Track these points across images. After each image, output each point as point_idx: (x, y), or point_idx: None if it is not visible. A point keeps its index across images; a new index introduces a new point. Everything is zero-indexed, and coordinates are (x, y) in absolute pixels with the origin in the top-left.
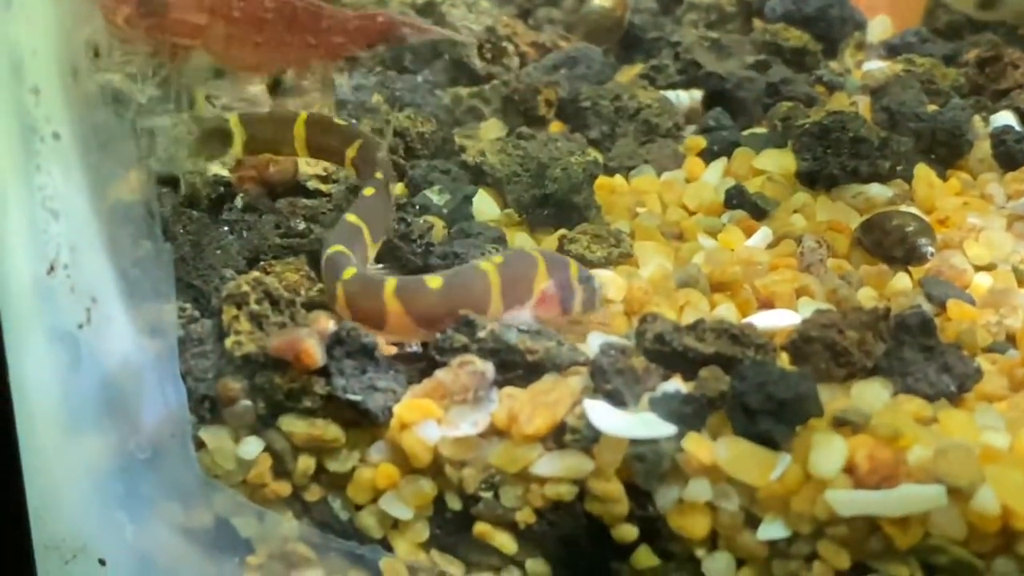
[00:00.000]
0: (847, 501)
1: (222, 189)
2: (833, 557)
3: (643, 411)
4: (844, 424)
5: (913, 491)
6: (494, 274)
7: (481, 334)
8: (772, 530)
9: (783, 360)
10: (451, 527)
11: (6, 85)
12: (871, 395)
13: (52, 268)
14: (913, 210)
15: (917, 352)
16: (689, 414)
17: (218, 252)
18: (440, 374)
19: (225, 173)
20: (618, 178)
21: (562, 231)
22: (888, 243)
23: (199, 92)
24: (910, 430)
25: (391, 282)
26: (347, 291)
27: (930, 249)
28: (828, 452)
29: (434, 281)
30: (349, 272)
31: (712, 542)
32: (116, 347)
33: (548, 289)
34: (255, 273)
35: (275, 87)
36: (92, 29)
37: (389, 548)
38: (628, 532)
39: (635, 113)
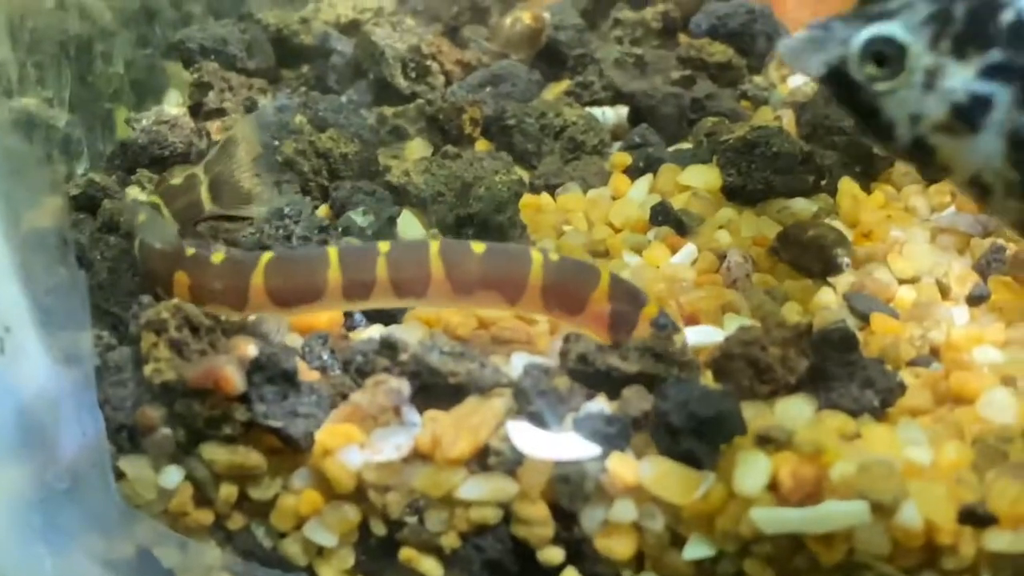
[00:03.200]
0: (771, 519)
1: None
2: (759, 575)
3: (567, 432)
4: (767, 441)
5: (836, 508)
6: (538, 267)
7: (403, 356)
8: (697, 550)
9: (708, 378)
10: (376, 553)
11: None
12: (794, 411)
13: None
14: (837, 224)
15: (840, 367)
16: (613, 434)
17: (136, 278)
18: (356, 396)
19: (144, 198)
20: (544, 196)
21: None
22: (806, 256)
23: (120, 112)
24: (833, 446)
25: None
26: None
27: (846, 260)
28: (752, 470)
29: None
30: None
31: (638, 563)
32: (31, 376)
33: (602, 311)
34: (175, 300)
35: (196, 109)
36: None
37: (314, 575)
38: (554, 555)
39: (561, 131)
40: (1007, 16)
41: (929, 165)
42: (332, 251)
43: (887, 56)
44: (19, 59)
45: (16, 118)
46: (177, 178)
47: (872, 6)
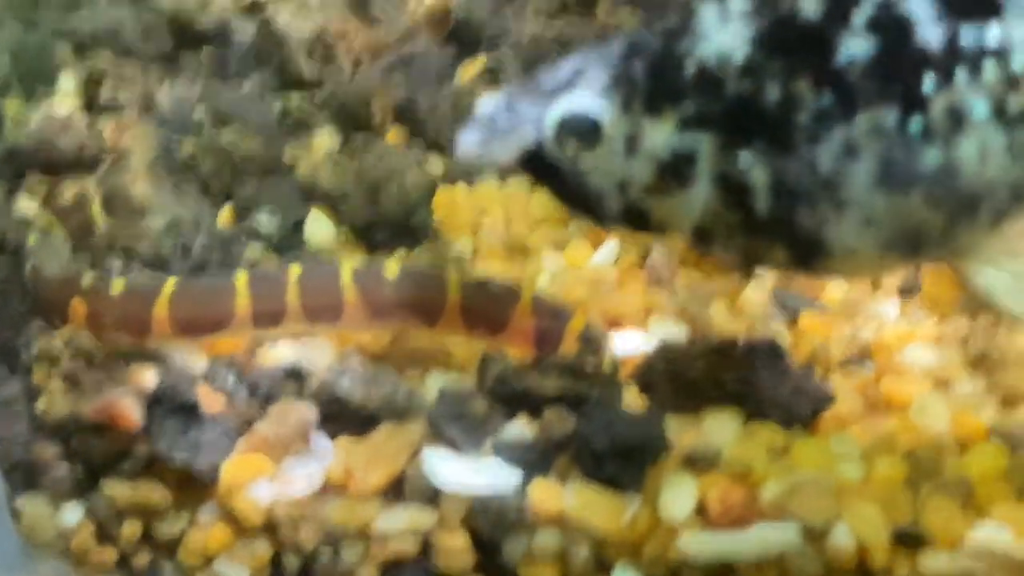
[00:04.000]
0: (700, 545)
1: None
2: None
3: (487, 457)
4: (695, 462)
5: (767, 532)
6: (455, 287)
7: (312, 385)
8: None
9: (632, 392)
10: None
11: None
12: (722, 426)
13: None
14: None
15: (769, 377)
16: (535, 459)
17: (26, 302)
18: (261, 426)
19: (36, 208)
20: (459, 188)
21: (401, 252)
22: None
23: (11, 106)
24: (762, 466)
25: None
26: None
27: None
28: (679, 494)
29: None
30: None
31: None
32: None
33: (526, 328)
34: (68, 329)
35: (90, 105)
36: None
37: None
38: None
39: None
40: (690, 67)
41: (646, 228)
42: (241, 277)
43: (583, 130)
44: None
45: None
46: (68, 194)
47: (540, 78)
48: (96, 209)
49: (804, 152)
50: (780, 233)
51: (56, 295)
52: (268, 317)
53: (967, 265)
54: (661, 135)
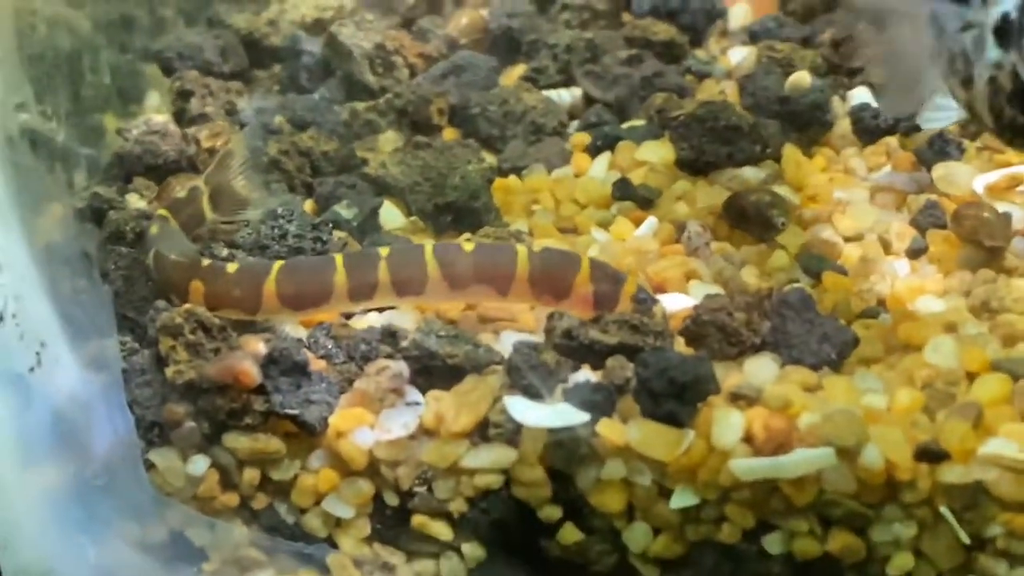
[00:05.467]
0: (748, 468)
1: (144, 223)
2: (739, 518)
3: (558, 402)
4: (739, 399)
5: (806, 454)
6: (524, 260)
7: (404, 343)
8: (683, 499)
9: (680, 344)
10: (390, 521)
11: None
12: (761, 370)
13: (1, 318)
14: (784, 189)
15: (799, 326)
16: (600, 401)
17: (148, 284)
18: (360, 383)
19: (144, 205)
20: (512, 178)
21: (466, 235)
22: (747, 219)
23: (109, 121)
24: (799, 399)
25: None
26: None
27: (781, 220)
28: (727, 426)
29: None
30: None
31: (629, 514)
32: (65, 384)
33: (586, 293)
34: (187, 304)
35: (180, 115)
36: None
37: (334, 545)
38: (553, 512)
39: (522, 115)
40: None
41: None
42: (338, 257)
43: None
44: (18, 78)
45: (20, 134)
46: (181, 191)
47: None
48: (205, 203)
49: None
50: None
51: (178, 277)
52: (363, 291)
53: None
54: None
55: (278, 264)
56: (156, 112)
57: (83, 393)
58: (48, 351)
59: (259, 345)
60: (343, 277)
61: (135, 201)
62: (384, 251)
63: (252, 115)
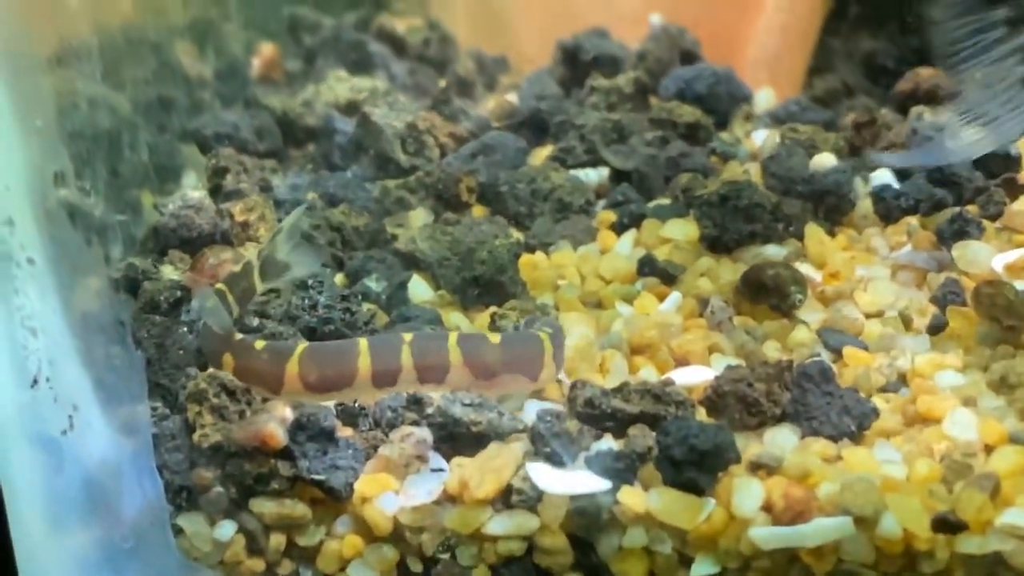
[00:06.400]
0: (767, 537)
1: (178, 293)
2: None
3: (580, 469)
4: (760, 468)
5: (824, 523)
6: (548, 344)
7: (429, 410)
8: (703, 567)
9: (701, 413)
10: None
11: None
12: (782, 440)
13: (35, 382)
14: (807, 267)
15: (819, 398)
16: (622, 469)
17: (180, 352)
18: (385, 449)
19: (177, 276)
20: (539, 254)
21: (492, 308)
22: (765, 294)
23: (147, 197)
24: (818, 469)
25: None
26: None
27: (799, 296)
28: (747, 494)
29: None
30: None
31: None
32: (96, 448)
33: (556, 356)
34: (211, 370)
35: (216, 191)
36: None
37: None
38: None
39: (549, 193)
40: None
41: None
42: (362, 342)
43: None
44: (56, 149)
45: (60, 208)
46: (235, 265)
47: None
48: (256, 276)
49: None
50: None
51: (214, 348)
52: (386, 377)
53: None
54: None
55: (302, 346)
56: (192, 189)
57: (114, 457)
58: (81, 415)
59: (286, 410)
60: (367, 362)
61: (169, 272)
62: (407, 336)
63: (286, 191)
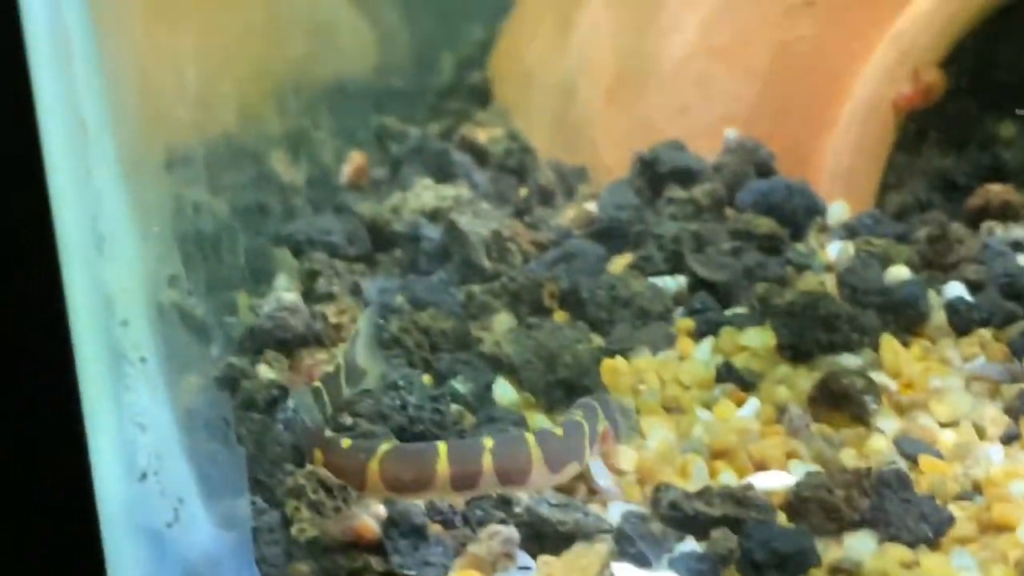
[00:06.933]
0: None
1: (275, 392)
2: None
3: (665, 570)
4: (840, 572)
5: None
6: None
7: (516, 509)
8: None
9: (781, 518)
10: None
11: (99, 318)
12: (860, 545)
13: (144, 475)
14: (882, 376)
15: (897, 504)
16: (705, 570)
17: (278, 448)
18: (473, 547)
19: (273, 376)
20: (619, 359)
21: None
22: (839, 402)
23: (243, 298)
24: (896, 574)
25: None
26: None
27: (873, 406)
28: None
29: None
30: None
31: None
32: (198, 540)
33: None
34: (309, 467)
35: (308, 294)
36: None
37: None
38: None
39: (629, 300)
40: None
41: None
42: (442, 446)
43: None
44: (171, 254)
45: (172, 308)
46: (329, 366)
47: None
48: (343, 378)
49: None
50: None
51: (306, 443)
52: (465, 480)
53: None
54: None
55: (385, 447)
56: (284, 291)
57: (214, 550)
58: (185, 508)
59: (379, 506)
60: (445, 466)
61: (265, 371)
62: (488, 441)
63: (375, 294)
